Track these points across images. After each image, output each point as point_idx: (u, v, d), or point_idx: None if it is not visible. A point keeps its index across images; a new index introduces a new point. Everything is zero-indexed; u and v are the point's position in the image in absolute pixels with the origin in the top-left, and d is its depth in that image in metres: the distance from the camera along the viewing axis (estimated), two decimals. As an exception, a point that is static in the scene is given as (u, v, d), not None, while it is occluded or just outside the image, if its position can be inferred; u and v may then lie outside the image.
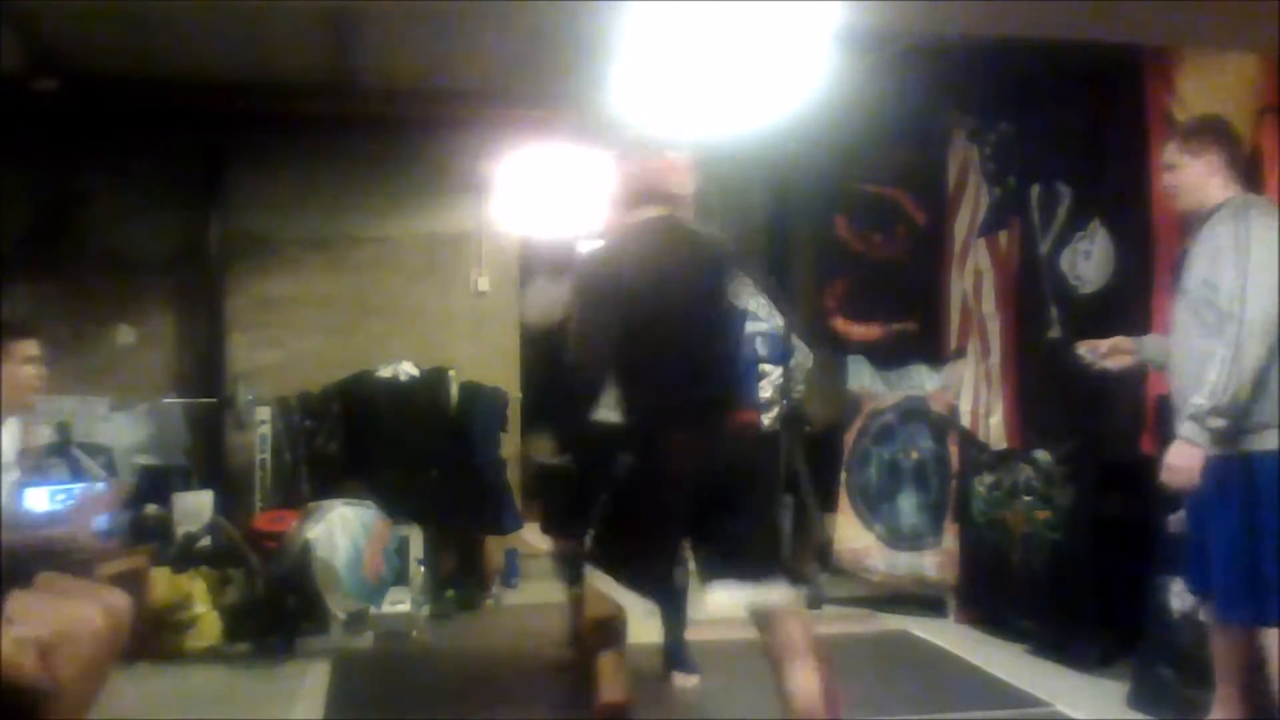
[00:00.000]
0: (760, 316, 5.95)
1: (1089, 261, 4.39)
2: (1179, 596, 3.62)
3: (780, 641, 2.95)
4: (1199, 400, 3.01)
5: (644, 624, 3.92)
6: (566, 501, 3.58)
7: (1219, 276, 3.05)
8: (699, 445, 2.96)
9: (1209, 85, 3.78)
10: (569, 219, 5.01)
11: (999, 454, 4.88)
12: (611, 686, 3.16)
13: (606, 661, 3.17)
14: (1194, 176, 3.23)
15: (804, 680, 2.86)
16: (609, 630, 3.19)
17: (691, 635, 4.18)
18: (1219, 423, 3.00)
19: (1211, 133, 3.29)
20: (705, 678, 4.17)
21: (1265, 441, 3.03)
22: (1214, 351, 3.02)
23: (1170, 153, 3.31)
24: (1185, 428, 3.05)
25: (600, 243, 3.25)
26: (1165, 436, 3.51)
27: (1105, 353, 3.50)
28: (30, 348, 3.20)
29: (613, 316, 3.00)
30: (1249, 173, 3.45)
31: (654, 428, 2.96)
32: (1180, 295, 3.26)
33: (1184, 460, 3.05)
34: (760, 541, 3.07)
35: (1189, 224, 3.34)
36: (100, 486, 4.59)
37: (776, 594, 2.98)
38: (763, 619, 3.00)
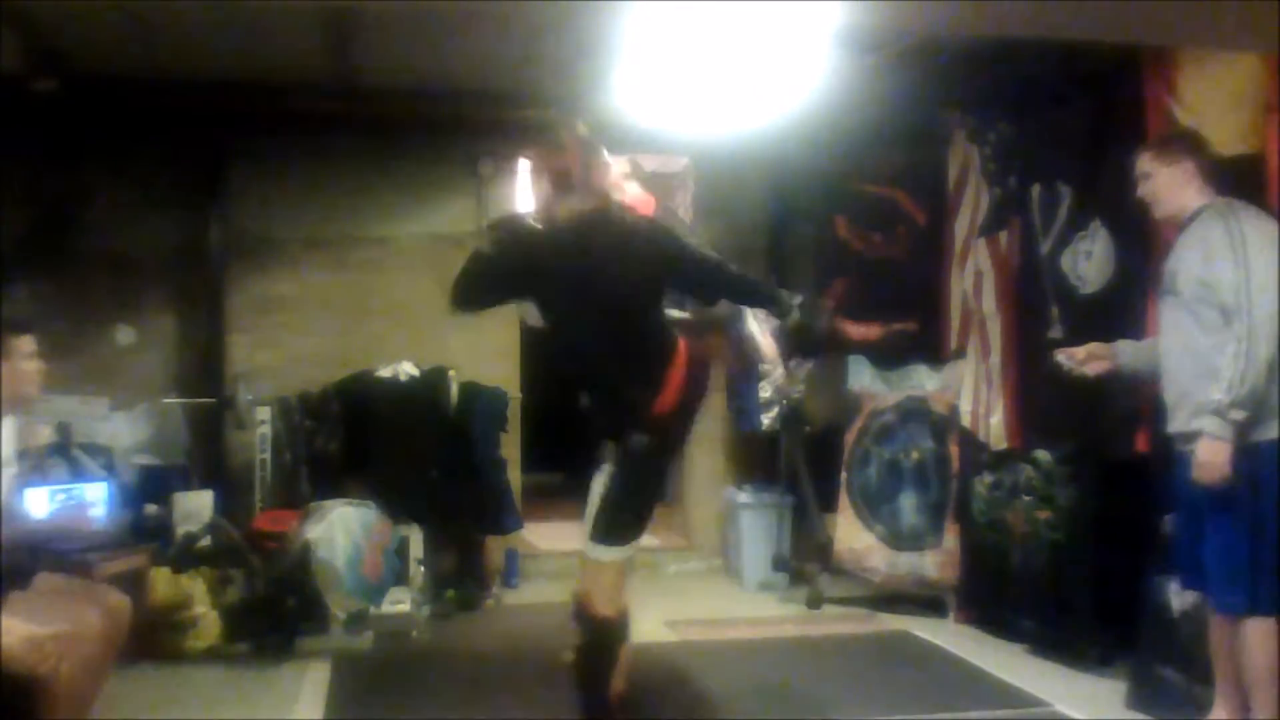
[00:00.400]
0: (761, 316, 5.98)
1: (1089, 262, 4.39)
2: (1179, 596, 3.62)
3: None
4: (1218, 395, 3.08)
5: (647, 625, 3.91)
6: None
7: (1217, 276, 3.14)
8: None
9: (1210, 86, 3.78)
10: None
11: (999, 454, 4.87)
12: (618, 678, 3.22)
13: (618, 655, 3.21)
14: (1169, 184, 3.35)
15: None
16: (606, 626, 3.19)
17: (683, 636, 4.17)
18: (1240, 415, 3.06)
19: (1183, 142, 3.43)
20: (701, 678, 4.17)
21: (1267, 431, 3.11)
22: (1222, 348, 3.09)
23: (1144, 163, 3.42)
24: (1209, 423, 3.10)
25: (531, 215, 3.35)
26: (1157, 435, 3.55)
27: (1083, 359, 3.58)
28: (28, 344, 3.20)
29: (512, 288, 3.29)
30: (1254, 173, 3.48)
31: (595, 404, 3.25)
32: (1168, 297, 3.34)
33: (1213, 455, 3.10)
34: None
35: (1174, 230, 3.41)
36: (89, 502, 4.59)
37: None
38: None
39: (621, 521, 3.18)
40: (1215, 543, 3.17)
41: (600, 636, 3.20)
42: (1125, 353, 3.58)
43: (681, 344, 3.27)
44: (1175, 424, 3.32)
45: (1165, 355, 3.37)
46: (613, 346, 3.19)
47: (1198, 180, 3.31)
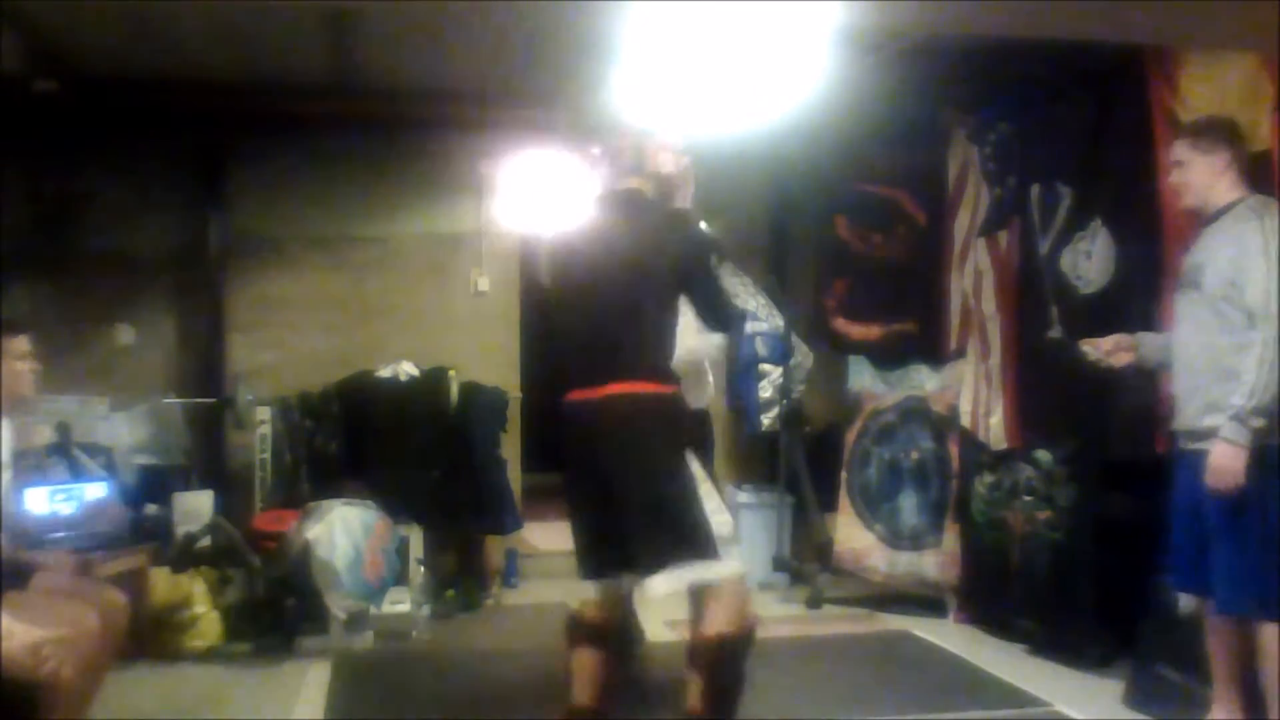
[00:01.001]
0: (760, 316, 5.98)
1: (1090, 261, 4.38)
2: (1180, 596, 3.62)
3: (700, 629, 2.92)
4: (1239, 400, 3.03)
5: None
6: None
7: (1246, 276, 3.08)
8: (592, 408, 2.94)
9: (1213, 85, 3.77)
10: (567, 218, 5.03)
11: (999, 454, 4.87)
12: (582, 688, 3.07)
13: (581, 661, 3.09)
14: (1202, 174, 3.26)
15: (694, 686, 2.88)
16: (594, 629, 3.12)
17: (684, 636, 4.12)
18: (1260, 422, 3.02)
19: (1220, 131, 3.32)
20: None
21: (1275, 436, 3.07)
22: (1242, 349, 3.05)
23: (1179, 150, 3.33)
24: (1228, 428, 3.06)
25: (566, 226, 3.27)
26: (1166, 434, 3.53)
27: (1109, 350, 3.53)
28: (23, 344, 3.20)
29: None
30: (1257, 172, 3.46)
31: (562, 389, 3.02)
32: (1189, 291, 3.27)
33: (1229, 461, 3.06)
34: (675, 522, 2.88)
35: (1198, 222, 3.36)
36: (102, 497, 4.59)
37: (718, 570, 2.87)
38: (698, 594, 2.93)
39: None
40: (1223, 545, 3.14)
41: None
42: (1148, 344, 3.53)
43: (677, 386, 3.04)
44: (1183, 419, 3.30)
45: (1179, 349, 3.32)
46: (609, 330, 2.99)
47: (1232, 172, 3.23)
